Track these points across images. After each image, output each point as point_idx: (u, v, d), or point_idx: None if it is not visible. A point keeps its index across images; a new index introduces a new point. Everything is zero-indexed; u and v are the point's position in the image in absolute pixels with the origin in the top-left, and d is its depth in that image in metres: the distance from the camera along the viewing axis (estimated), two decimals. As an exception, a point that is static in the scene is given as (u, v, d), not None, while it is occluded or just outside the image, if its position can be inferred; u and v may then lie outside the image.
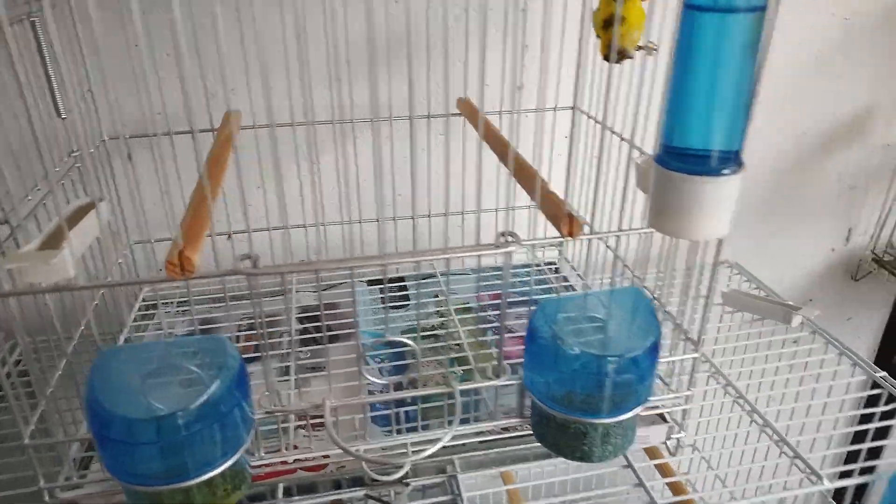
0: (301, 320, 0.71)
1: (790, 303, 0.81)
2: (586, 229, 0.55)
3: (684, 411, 0.58)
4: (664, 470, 0.60)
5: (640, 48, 0.53)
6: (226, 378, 0.43)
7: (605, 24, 0.54)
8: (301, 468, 0.53)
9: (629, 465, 0.58)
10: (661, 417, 0.59)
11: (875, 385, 0.70)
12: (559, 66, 0.73)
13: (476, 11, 0.71)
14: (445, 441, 0.47)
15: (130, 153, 0.63)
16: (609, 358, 0.46)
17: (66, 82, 0.57)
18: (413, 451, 0.50)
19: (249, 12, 0.57)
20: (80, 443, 0.53)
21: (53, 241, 0.40)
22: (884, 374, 0.71)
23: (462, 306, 0.74)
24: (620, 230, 0.49)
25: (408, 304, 0.75)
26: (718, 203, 0.42)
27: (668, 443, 0.60)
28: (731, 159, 0.41)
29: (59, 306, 0.47)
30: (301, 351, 0.65)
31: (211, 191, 0.45)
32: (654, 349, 0.47)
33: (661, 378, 0.59)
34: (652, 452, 0.61)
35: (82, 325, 0.54)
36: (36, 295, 0.40)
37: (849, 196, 1.05)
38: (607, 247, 0.72)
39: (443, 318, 0.72)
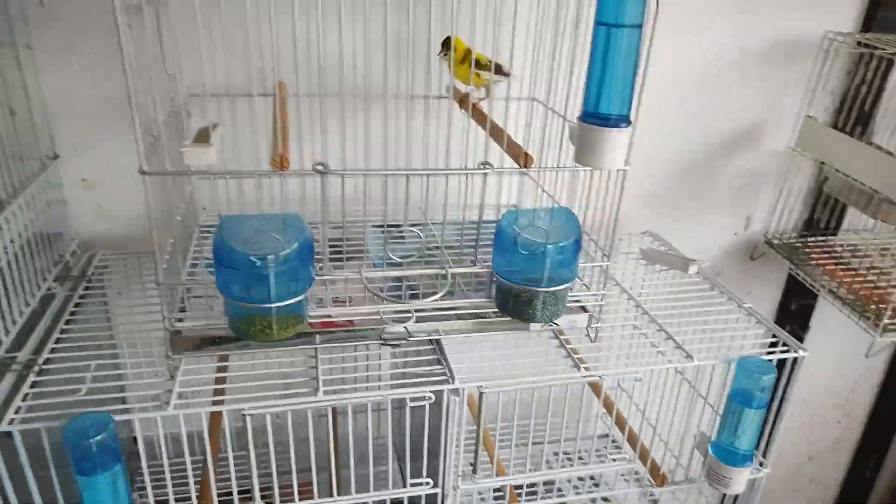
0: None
1: (689, 257, 1.08)
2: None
3: (601, 306, 0.84)
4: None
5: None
6: (300, 242, 0.67)
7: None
8: (335, 324, 0.77)
9: (562, 346, 0.84)
10: (584, 310, 0.84)
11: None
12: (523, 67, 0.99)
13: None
14: (440, 295, 0.71)
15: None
16: (547, 245, 0.71)
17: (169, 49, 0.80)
18: (415, 310, 0.74)
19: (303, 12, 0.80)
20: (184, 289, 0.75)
21: (202, 139, 0.63)
22: (750, 305, 0.98)
23: (451, 244, 0.98)
24: (560, 167, 0.74)
25: (404, 241, 0.99)
26: (616, 145, 0.68)
27: (589, 330, 0.85)
28: (624, 119, 0.67)
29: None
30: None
31: (282, 127, 0.69)
32: (577, 243, 0.72)
33: (581, 280, 0.84)
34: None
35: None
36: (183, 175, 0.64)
37: (747, 190, 1.33)
38: (545, 192, 0.97)
39: (430, 248, 0.96)
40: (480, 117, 0.83)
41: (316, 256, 0.70)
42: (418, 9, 0.69)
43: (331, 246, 0.93)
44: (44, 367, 0.74)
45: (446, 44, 0.81)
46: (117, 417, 0.66)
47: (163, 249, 0.71)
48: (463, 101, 0.84)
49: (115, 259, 0.99)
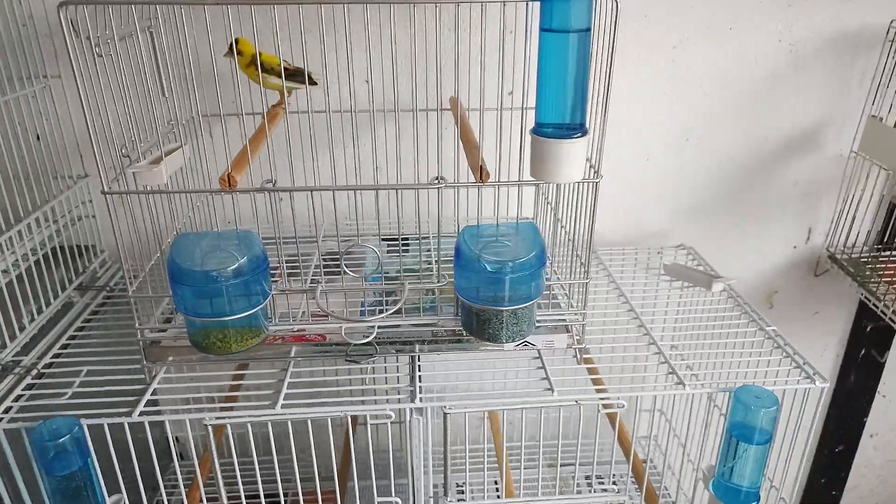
0: (325, 259, 0.96)
1: (714, 273, 1.00)
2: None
3: (582, 326, 0.79)
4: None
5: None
6: (252, 257, 0.68)
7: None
8: (307, 338, 0.77)
9: (540, 363, 0.79)
10: (565, 329, 0.79)
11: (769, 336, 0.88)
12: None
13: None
14: (392, 311, 0.70)
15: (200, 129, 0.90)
16: (505, 262, 0.68)
17: (168, 74, 0.85)
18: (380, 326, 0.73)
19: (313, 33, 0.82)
20: (164, 301, 0.79)
21: (156, 161, 0.66)
22: (774, 328, 0.88)
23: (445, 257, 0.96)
24: (516, 181, 0.71)
25: (407, 254, 0.98)
26: (571, 156, 0.64)
27: (576, 350, 0.80)
28: (577, 128, 0.63)
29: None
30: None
31: (253, 145, 0.71)
32: (539, 259, 0.68)
33: (568, 298, 0.80)
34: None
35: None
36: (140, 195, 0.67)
37: (807, 200, 1.21)
38: (547, 202, 0.93)
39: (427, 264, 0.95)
40: (464, 129, 0.81)
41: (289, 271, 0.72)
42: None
43: (332, 260, 0.94)
44: (43, 370, 0.80)
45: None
46: (87, 422, 0.70)
47: (142, 265, 0.75)
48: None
49: (135, 269, 1.05)
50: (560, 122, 0.63)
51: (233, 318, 0.68)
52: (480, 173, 0.68)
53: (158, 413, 0.74)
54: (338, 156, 0.89)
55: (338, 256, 0.75)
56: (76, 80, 0.63)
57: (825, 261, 1.24)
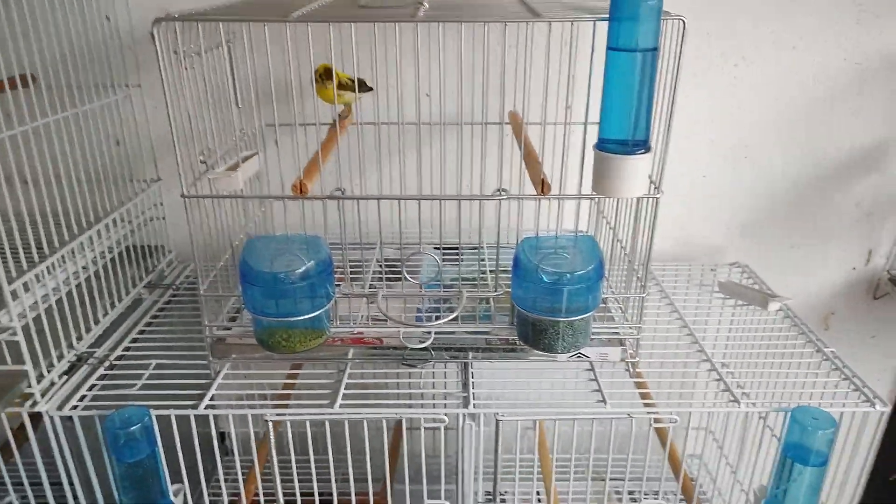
0: (383, 267, 0.98)
1: (770, 291, 0.99)
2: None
3: (637, 340, 0.79)
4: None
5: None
6: (318, 261, 0.71)
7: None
8: (364, 340, 0.80)
9: (592, 375, 0.80)
10: (619, 343, 0.80)
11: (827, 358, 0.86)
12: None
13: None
14: (448, 319, 0.72)
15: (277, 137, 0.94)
16: (564, 275, 0.69)
17: (242, 86, 0.89)
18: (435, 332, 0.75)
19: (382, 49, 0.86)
20: (232, 300, 0.83)
21: (232, 167, 0.70)
22: (832, 350, 0.87)
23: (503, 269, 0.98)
24: (581, 195, 0.72)
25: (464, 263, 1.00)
26: (634, 172, 0.65)
27: (629, 364, 0.81)
28: (641, 144, 0.64)
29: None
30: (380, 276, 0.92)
31: (322, 154, 0.74)
32: (597, 272, 0.70)
33: (623, 312, 0.80)
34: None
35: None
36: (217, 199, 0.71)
37: (867, 220, 1.18)
38: (603, 216, 0.93)
39: (481, 273, 0.96)
40: (525, 142, 0.82)
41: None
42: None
43: (390, 266, 0.97)
44: (115, 362, 0.85)
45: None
46: (156, 412, 0.74)
47: (212, 266, 0.79)
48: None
49: (205, 270, 1.10)
50: (624, 138, 0.64)
51: (299, 318, 0.71)
52: (542, 186, 0.70)
53: (222, 407, 0.77)
54: (400, 166, 0.91)
55: (398, 263, 0.77)
56: (164, 90, 0.67)
57: (885, 283, 1.21)
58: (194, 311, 1.03)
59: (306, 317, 0.71)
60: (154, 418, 0.74)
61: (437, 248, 0.90)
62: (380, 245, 0.78)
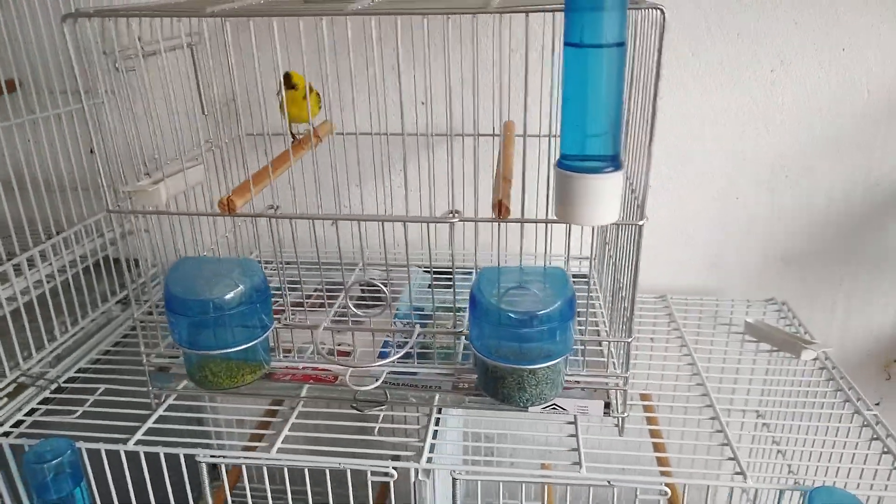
0: (361, 289, 0.90)
1: (807, 336, 0.84)
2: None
3: (625, 392, 0.67)
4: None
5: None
6: (252, 286, 0.63)
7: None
8: (317, 378, 0.71)
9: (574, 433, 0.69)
10: (605, 395, 0.68)
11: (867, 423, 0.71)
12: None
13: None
14: (393, 359, 0.62)
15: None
16: (526, 313, 0.58)
17: (211, 92, 0.83)
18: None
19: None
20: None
21: (156, 181, 0.63)
22: (875, 413, 0.72)
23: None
24: (539, 219, 0.61)
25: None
26: (603, 194, 0.53)
27: (619, 420, 0.69)
28: (610, 161, 0.53)
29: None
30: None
31: (263, 173, 0.66)
32: (566, 311, 0.58)
33: (613, 358, 0.68)
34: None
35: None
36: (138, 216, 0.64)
37: (935, 254, 1.01)
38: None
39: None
40: (504, 157, 0.72)
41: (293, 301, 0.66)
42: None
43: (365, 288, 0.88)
44: (65, 384, 0.79)
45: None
46: (83, 445, 0.67)
47: (145, 287, 0.73)
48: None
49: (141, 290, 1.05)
50: (586, 153, 0.53)
51: (224, 351, 0.63)
52: (500, 209, 0.59)
53: (156, 444, 0.70)
54: (361, 186, 0.83)
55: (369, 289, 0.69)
56: (80, 93, 0.61)
57: (957, 328, 1.02)
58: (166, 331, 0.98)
59: (232, 350, 0.63)
60: (84, 452, 0.68)
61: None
62: (345, 269, 0.70)
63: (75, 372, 0.82)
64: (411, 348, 0.65)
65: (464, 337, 0.70)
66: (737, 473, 0.64)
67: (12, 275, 0.79)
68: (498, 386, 0.62)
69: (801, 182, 0.98)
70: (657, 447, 0.72)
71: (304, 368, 0.71)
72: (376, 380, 0.67)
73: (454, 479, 0.66)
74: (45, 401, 0.77)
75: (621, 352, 0.67)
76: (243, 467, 0.68)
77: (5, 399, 0.75)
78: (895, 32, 0.89)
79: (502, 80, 0.80)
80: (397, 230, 0.70)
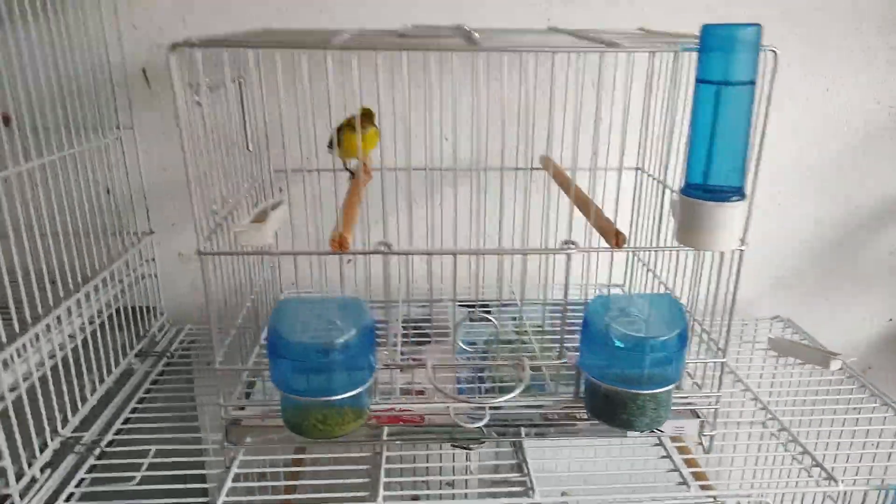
0: (405, 327, 0.88)
1: (830, 350, 0.91)
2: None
3: (716, 410, 0.70)
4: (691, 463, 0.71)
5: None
6: (359, 329, 0.60)
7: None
8: (402, 419, 0.69)
9: (667, 455, 0.71)
10: (695, 414, 0.71)
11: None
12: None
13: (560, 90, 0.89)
14: (516, 393, 0.61)
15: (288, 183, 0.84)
16: (647, 340, 0.60)
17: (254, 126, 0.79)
18: (490, 408, 0.65)
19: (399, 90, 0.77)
20: (246, 373, 0.71)
21: (259, 219, 0.60)
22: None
23: (537, 327, 0.88)
24: (657, 246, 0.64)
25: (490, 321, 0.90)
26: (728, 222, 0.57)
27: (703, 440, 0.71)
28: (736, 191, 0.56)
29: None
30: (406, 341, 0.82)
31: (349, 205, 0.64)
32: (681, 338, 0.61)
33: (692, 378, 0.71)
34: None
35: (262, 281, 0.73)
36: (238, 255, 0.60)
37: (903, 269, 1.13)
38: (647, 267, 0.85)
39: (518, 334, 0.87)
40: (567, 189, 0.74)
41: (382, 341, 0.64)
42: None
43: (414, 326, 0.87)
44: (106, 449, 0.72)
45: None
46: (159, 516, 0.61)
47: (225, 332, 0.68)
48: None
49: (202, 333, 0.98)
50: (718, 184, 0.56)
51: (339, 397, 0.60)
52: (617, 238, 0.61)
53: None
54: (409, 217, 0.82)
55: (421, 324, 0.67)
56: (179, 129, 0.57)
57: (925, 335, 1.15)
58: (189, 382, 0.91)
59: (347, 395, 0.60)
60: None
61: (466, 306, 0.81)
62: (430, 304, 0.68)
63: (114, 434, 0.74)
64: (520, 381, 0.65)
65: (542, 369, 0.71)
66: (825, 479, 0.68)
67: (42, 335, 0.70)
68: (618, 412, 0.63)
69: (790, 207, 1.07)
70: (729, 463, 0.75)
71: (393, 410, 0.68)
72: (480, 415, 0.66)
73: (567, 512, 0.65)
74: (90, 469, 0.69)
75: (713, 373, 0.70)
76: (344, 520, 0.64)
77: (48, 470, 0.67)
78: (867, 73, 1.01)
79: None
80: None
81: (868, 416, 0.81)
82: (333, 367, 0.59)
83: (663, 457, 0.71)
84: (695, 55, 0.55)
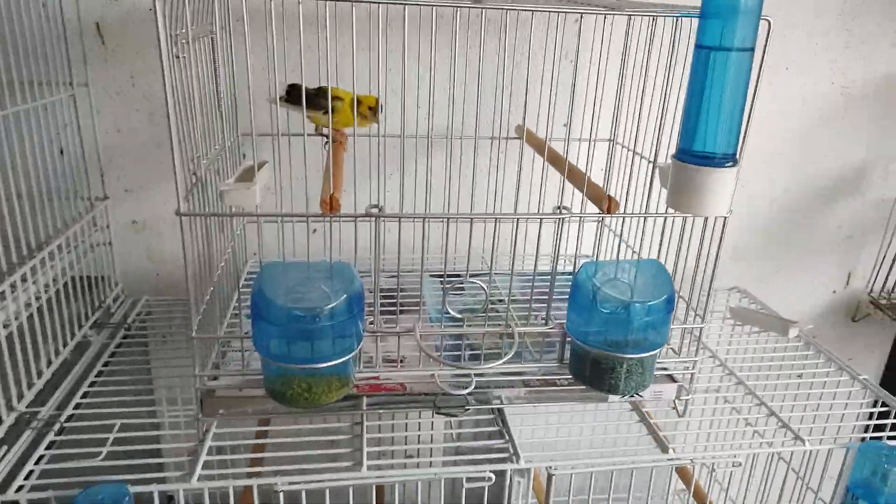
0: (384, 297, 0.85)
1: (787, 318, 0.95)
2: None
3: (692, 375, 0.72)
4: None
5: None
6: (349, 294, 0.58)
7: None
8: (384, 387, 0.68)
9: (640, 419, 0.72)
10: (672, 379, 0.72)
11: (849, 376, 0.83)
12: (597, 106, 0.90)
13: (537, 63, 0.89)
14: (506, 359, 0.61)
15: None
16: (634, 304, 0.60)
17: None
18: (475, 375, 0.64)
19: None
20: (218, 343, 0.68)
21: (245, 178, 0.57)
22: (866, 377, 0.84)
23: (515, 300, 0.88)
24: (646, 213, 0.64)
25: (463, 293, 0.89)
26: (721, 188, 0.57)
27: (677, 403, 0.73)
28: (730, 157, 0.57)
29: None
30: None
31: (335, 167, 0.62)
32: (669, 302, 0.62)
33: (671, 347, 0.73)
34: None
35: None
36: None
37: (847, 243, 1.19)
38: (626, 244, 0.86)
39: (494, 302, 0.86)
40: (556, 160, 0.74)
41: (366, 310, 0.62)
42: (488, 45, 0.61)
43: (384, 297, 0.85)
44: (66, 424, 0.67)
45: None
46: (134, 489, 0.58)
47: (200, 298, 0.64)
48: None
49: (160, 305, 0.94)
50: (713, 150, 0.57)
51: (326, 364, 0.58)
52: (609, 203, 0.61)
53: (215, 478, 0.62)
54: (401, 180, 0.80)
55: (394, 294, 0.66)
56: (164, 83, 0.53)
57: (866, 305, 1.21)
58: (149, 355, 0.87)
59: (334, 363, 0.58)
60: (131, 497, 0.58)
61: (451, 277, 0.80)
62: (397, 272, 0.66)
63: (73, 409, 0.70)
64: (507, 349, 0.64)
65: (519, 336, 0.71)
66: (794, 439, 0.71)
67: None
68: (605, 377, 0.63)
69: (747, 183, 1.10)
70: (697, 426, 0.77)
71: (375, 378, 0.67)
72: (466, 383, 0.65)
73: (550, 475, 0.66)
74: (50, 445, 0.65)
75: (690, 339, 0.72)
76: (327, 491, 0.62)
77: (4, 447, 0.62)
78: (824, 56, 1.04)
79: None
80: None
81: (823, 380, 0.85)
82: (322, 333, 0.57)
83: (638, 421, 0.72)
84: (678, 23, 0.55)
